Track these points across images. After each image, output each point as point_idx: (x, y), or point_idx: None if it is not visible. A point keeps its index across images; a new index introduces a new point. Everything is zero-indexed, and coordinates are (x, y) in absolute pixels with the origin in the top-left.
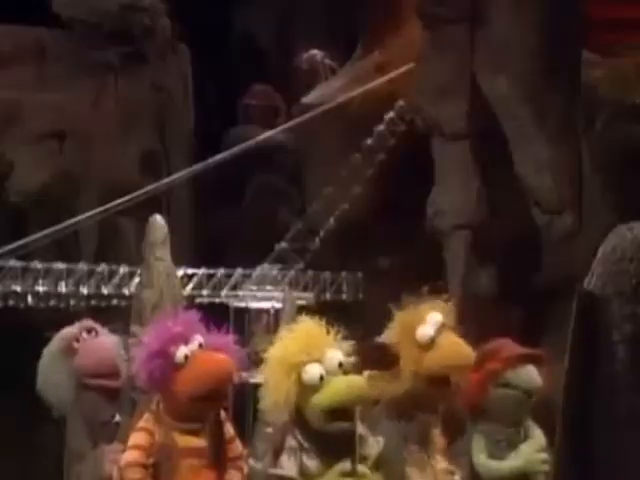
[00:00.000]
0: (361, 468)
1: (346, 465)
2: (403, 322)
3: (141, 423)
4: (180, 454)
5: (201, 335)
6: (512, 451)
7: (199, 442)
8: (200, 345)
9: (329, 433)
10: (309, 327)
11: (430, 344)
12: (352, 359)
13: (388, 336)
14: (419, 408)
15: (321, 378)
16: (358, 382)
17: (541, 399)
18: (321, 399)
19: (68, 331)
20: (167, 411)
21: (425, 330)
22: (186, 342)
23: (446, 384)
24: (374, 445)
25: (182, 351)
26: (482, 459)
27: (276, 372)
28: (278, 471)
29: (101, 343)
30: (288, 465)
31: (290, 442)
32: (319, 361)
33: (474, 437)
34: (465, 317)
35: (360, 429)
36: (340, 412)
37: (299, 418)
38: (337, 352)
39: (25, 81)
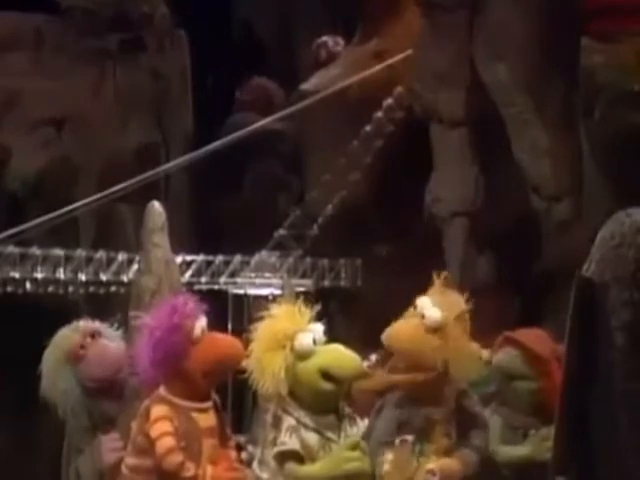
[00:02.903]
0: (364, 443)
1: (354, 440)
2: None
3: (155, 414)
4: (204, 434)
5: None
6: (526, 438)
7: (213, 420)
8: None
9: (326, 394)
10: (286, 307)
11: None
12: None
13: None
14: (418, 401)
15: (314, 342)
16: (352, 354)
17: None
18: (319, 360)
19: (71, 338)
20: (177, 393)
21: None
22: (198, 318)
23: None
24: (360, 426)
25: (199, 325)
26: (493, 443)
27: (269, 348)
28: (281, 448)
29: (106, 349)
30: (290, 441)
31: (289, 421)
32: (307, 331)
33: (490, 420)
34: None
35: (347, 410)
36: (334, 377)
37: (293, 391)
38: (319, 325)
39: (23, 68)
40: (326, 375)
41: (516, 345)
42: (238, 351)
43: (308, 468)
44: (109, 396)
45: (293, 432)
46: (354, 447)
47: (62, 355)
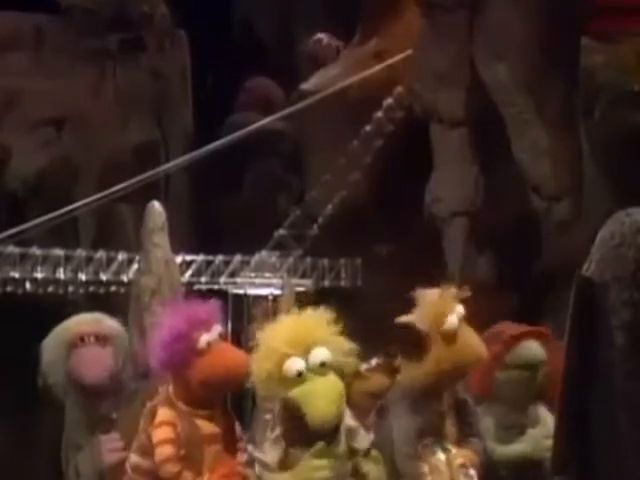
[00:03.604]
0: (337, 449)
1: (320, 445)
2: (434, 308)
3: (160, 418)
4: (206, 441)
5: (221, 325)
6: (521, 436)
7: (217, 427)
8: (219, 335)
9: (300, 426)
10: (302, 320)
11: (453, 336)
12: (347, 359)
13: (416, 319)
14: (432, 398)
15: (299, 374)
16: (331, 401)
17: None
18: (297, 394)
19: (81, 325)
20: (181, 398)
21: (452, 320)
22: (208, 330)
23: (462, 377)
24: (364, 439)
25: (205, 338)
26: (489, 443)
27: (263, 358)
28: (259, 455)
29: (97, 359)
30: (270, 452)
31: (278, 430)
32: (303, 356)
33: (483, 421)
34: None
35: (351, 422)
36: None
37: (283, 406)
38: (323, 350)
39: (23, 68)
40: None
41: (534, 336)
42: (239, 370)
43: (277, 477)
44: (102, 397)
45: (277, 442)
46: (321, 455)
47: (66, 333)
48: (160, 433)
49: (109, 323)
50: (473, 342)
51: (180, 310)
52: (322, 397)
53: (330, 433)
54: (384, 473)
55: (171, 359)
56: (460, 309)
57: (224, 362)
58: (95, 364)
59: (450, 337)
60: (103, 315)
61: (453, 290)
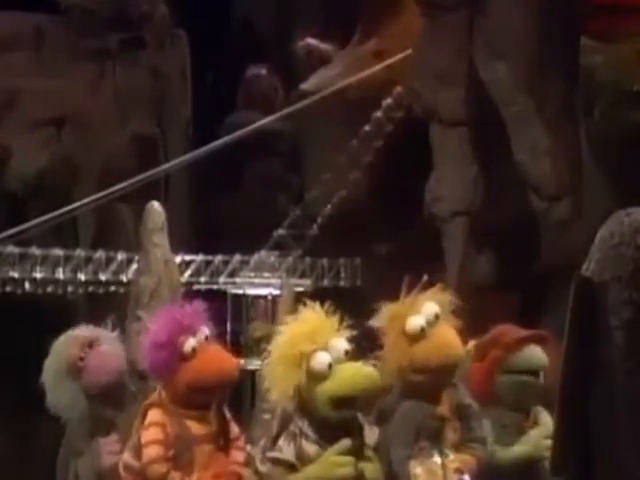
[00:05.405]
0: (363, 449)
1: (346, 443)
2: (393, 311)
3: (150, 419)
4: (196, 441)
5: (207, 326)
6: (520, 436)
7: (209, 427)
8: (206, 337)
9: (334, 420)
10: (313, 316)
11: (417, 337)
12: (351, 346)
13: (376, 323)
14: (429, 401)
15: (329, 366)
16: (369, 371)
17: (551, 382)
18: (331, 387)
19: (69, 352)
20: (171, 400)
21: (415, 320)
22: (194, 334)
23: (436, 376)
24: (371, 434)
25: (190, 343)
26: (489, 445)
27: (284, 362)
28: (276, 454)
29: (104, 355)
30: (287, 449)
31: (291, 427)
32: (325, 349)
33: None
34: (463, 303)
35: (359, 417)
36: (347, 400)
37: (302, 405)
38: (342, 340)
39: (23, 67)
40: (337, 403)
41: (535, 340)
42: (227, 371)
43: (297, 476)
44: (109, 400)
45: (292, 440)
46: (344, 452)
47: (63, 369)
48: (148, 434)
49: (85, 330)
50: (440, 343)
51: (163, 317)
52: (354, 369)
53: (350, 428)
54: (380, 471)
55: (156, 366)
56: (431, 309)
57: (210, 366)
58: (106, 363)
59: (415, 338)
60: (72, 331)
61: (432, 292)
